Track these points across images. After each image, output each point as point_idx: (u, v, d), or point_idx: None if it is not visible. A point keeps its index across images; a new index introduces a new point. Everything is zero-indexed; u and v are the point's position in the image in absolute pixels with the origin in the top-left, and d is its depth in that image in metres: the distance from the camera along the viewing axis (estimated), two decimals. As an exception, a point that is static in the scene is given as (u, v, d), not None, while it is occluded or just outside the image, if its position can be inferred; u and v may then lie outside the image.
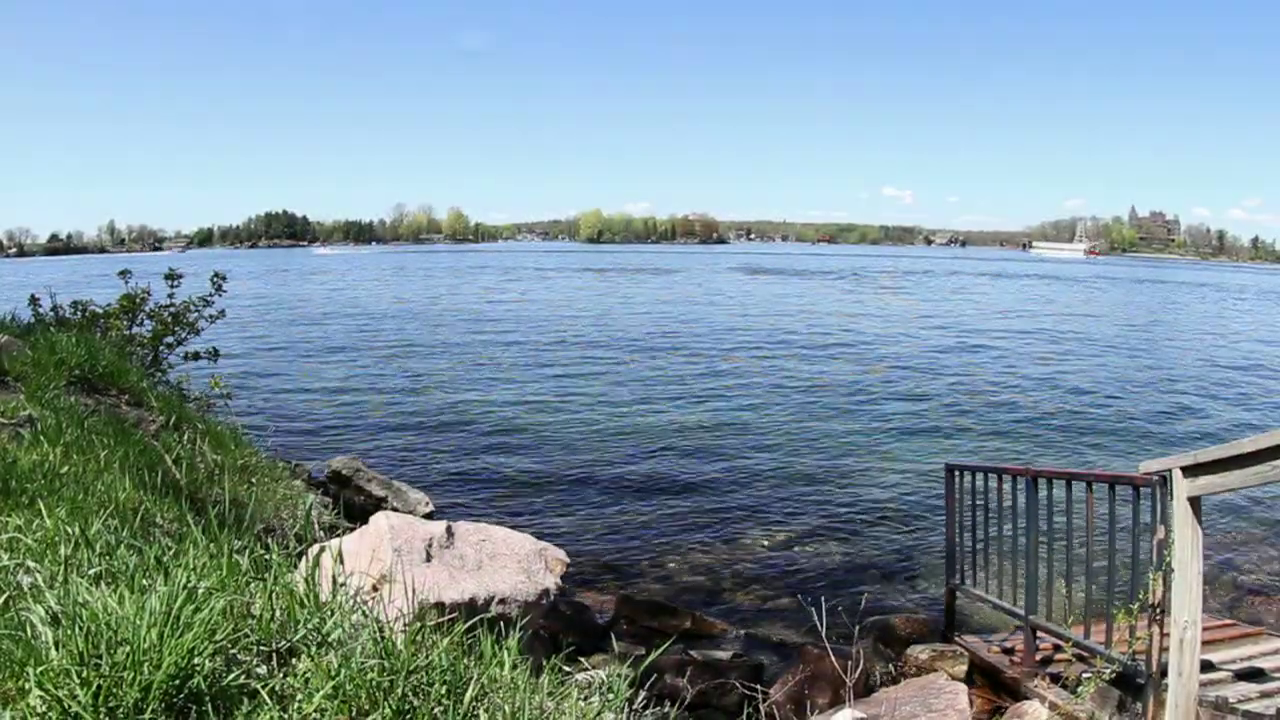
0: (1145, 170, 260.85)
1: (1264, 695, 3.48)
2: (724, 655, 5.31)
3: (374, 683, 1.46)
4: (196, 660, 1.35)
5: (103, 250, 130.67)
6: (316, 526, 4.14)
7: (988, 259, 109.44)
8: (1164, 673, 3.51)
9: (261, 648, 1.53)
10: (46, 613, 1.40)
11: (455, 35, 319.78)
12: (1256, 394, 16.34)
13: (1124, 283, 60.88)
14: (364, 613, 1.75)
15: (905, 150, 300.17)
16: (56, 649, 1.31)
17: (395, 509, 6.83)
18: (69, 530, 1.87)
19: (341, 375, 16.48)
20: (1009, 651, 4.88)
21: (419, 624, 1.75)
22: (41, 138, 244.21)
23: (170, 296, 7.51)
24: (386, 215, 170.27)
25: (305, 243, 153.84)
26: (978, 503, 5.31)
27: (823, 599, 3.30)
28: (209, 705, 1.32)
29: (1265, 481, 3.16)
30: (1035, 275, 66.25)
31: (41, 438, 2.85)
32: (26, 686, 1.24)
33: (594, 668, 2.83)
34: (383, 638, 1.59)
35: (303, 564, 2.02)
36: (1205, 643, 3.61)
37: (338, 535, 3.65)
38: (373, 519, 3.50)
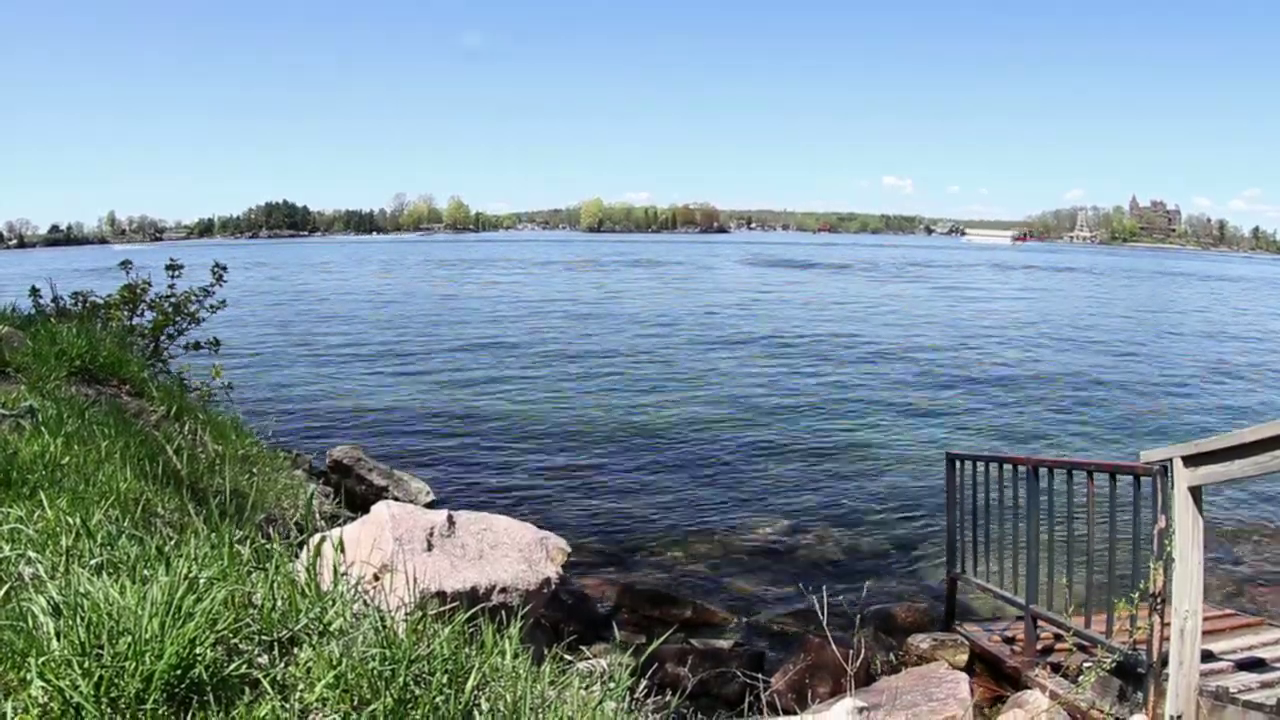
0: (1146, 161, 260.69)
1: (1265, 685, 3.48)
2: (725, 644, 5.33)
3: (375, 672, 1.45)
4: (198, 650, 1.34)
5: (103, 241, 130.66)
6: (318, 516, 4.15)
7: (927, 246, 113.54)
8: (1165, 662, 3.52)
9: (263, 637, 1.53)
10: (48, 603, 1.40)
11: (457, 32, 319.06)
12: (1257, 384, 16.32)
13: (1049, 271, 61.36)
14: (365, 602, 1.75)
15: (906, 139, 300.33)
16: (58, 639, 1.31)
17: (396, 498, 6.83)
18: (70, 521, 1.86)
19: (343, 365, 16.48)
20: (1010, 641, 4.89)
21: (420, 613, 1.75)
22: (42, 129, 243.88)
23: (171, 287, 7.50)
24: (387, 205, 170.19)
25: (306, 233, 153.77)
26: (978, 492, 5.31)
27: (824, 588, 3.30)
28: (210, 695, 1.32)
29: (1266, 471, 3.15)
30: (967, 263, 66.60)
31: (42, 428, 2.85)
32: (28, 677, 1.24)
33: (595, 657, 2.84)
34: (384, 627, 1.59)
35: (304, 553, 2.02)
36: (1206, 632, 3.62)
37: (339, 525, 3.65)
38: (374, 508, 3.49)
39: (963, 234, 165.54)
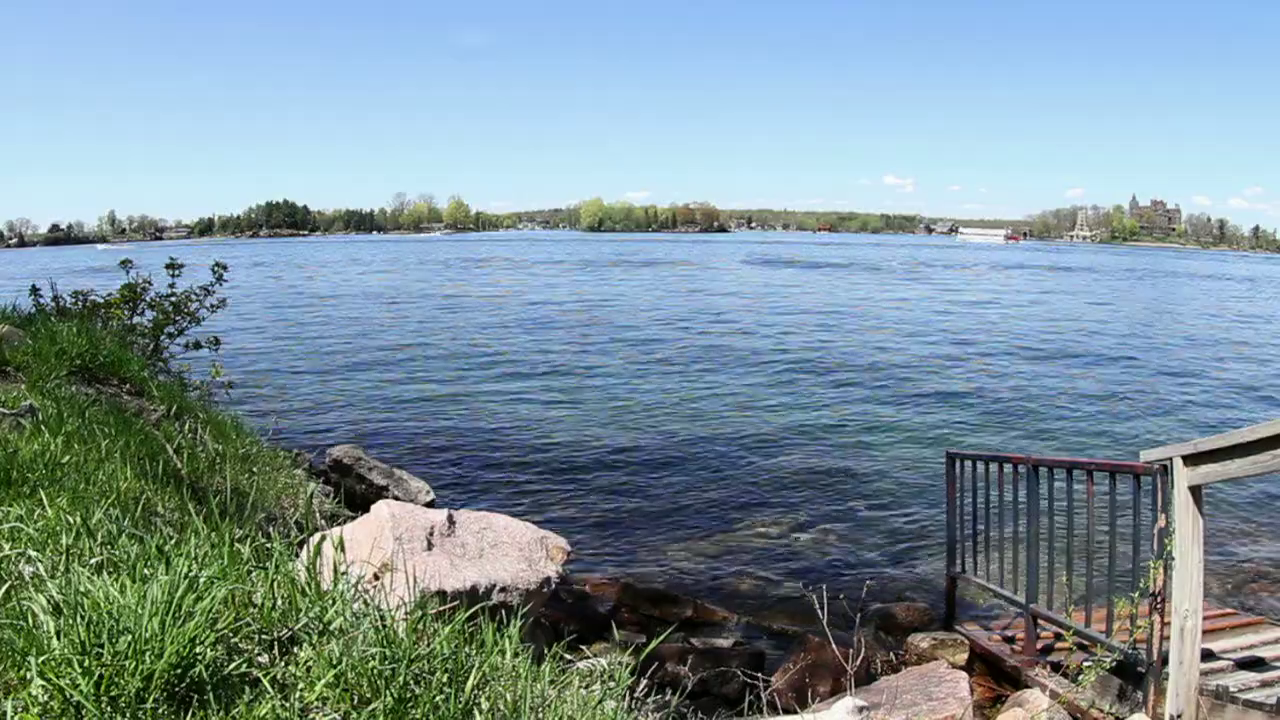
0: (1146, 160, 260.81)
1: (1265, 684, 3.48)
2: (725, 643, 5.32)
3: (375, 671, 1.45)
4: (198, 649, 1.34)
5: (104, 240, 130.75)
6: (318, 515, 4.15)
7: (922, 245, 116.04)
8: (1165, 661, 3.52)
9: (263, 636, 1.53)
10: (48, 602, 1.40)
11: (457, 31, 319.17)
12: (1258, 383, 16.32)
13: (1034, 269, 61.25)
14: (365, 601, 1.75)
15: (907, 138, 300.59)
16: (58, 638, 1.31)
17: (397, 497, 6.83)
18: (70, 520, 1.86)
19: (343, 365, 16.47)
20: (1010, 640, 4.89)
21: (420, 612, 1.75)
22: (42, 128, 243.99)
23: (171, 286, 7.49)
24: (387, 205, 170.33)
25: (306, 232, 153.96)
26: (978, 491, 5.31)
27: (824, 587, 3.30)
28: (210, 694, 1.32)
29: (1266, 470, 3.15)
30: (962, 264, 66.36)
31: (43, 427, 2.85)
32: (28, 676, 1.24)
33: (595, 656, 2.84)
34: (384, 626, 1.59)
35: (304, 552, 2.02)
36: (1206, 631, 3.62)
37: (339, 524, 3.65)
38: (374, 507, 3.49)
39: (957, 233, 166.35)
